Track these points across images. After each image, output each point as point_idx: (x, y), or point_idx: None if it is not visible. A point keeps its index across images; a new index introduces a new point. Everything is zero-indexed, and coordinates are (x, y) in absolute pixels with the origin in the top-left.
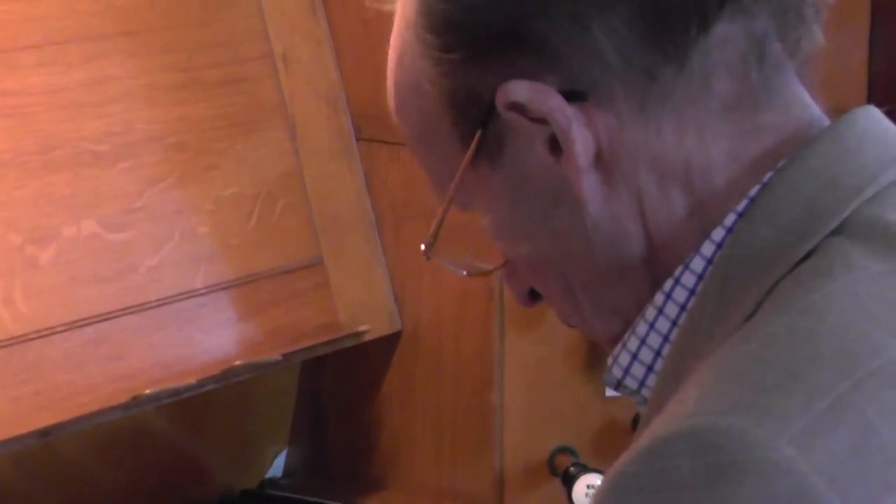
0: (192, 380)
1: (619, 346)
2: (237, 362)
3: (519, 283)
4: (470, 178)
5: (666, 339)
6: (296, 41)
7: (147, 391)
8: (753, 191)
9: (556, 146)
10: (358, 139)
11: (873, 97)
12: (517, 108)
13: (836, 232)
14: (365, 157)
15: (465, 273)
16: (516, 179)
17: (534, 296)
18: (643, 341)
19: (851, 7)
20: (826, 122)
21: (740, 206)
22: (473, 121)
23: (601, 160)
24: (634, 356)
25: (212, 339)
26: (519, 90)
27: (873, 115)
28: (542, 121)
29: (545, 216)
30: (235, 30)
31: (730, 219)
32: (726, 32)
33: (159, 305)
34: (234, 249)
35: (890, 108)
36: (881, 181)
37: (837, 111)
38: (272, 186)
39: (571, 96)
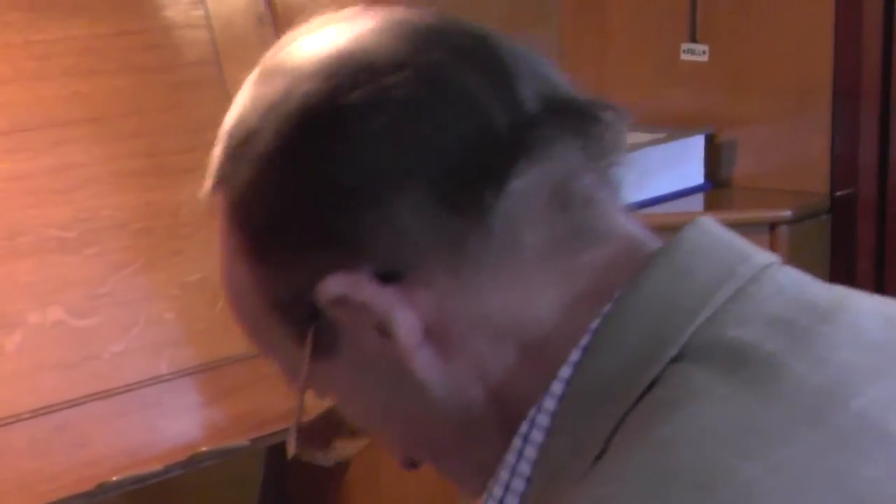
0: (157, 466)
1: (486, 494)
2: (203, 448)
3: (395, 452)
4: (314, 373)
5: (528, 481)
6: None
7: (113, 478)
8: (594, 324)
9: (385, 330)
10: None
11: (835, 181)
12: (339, 301)
13: (678, 358)
14: None
15: (331, 463)
16: (357, 369)
17: (413, 462)
18: (507, 487)
19: (813, 92)
20: (655, 244)
21: (584, 341)
22: (302, 320)
23: (431, 335)
24: (500, 503)
25: (177, 425)
26: (335, 285)
27: (704, 229)
28: (365, 308)
29: (393, 398)
30: (202, 115)
31: (575, 355)
32: (525, 185)
33: (125, 391)
34: (199, 335)
35: (852, 192)
36: (717, 300)
37: (800, 194)
38: None
39: (387, 279)
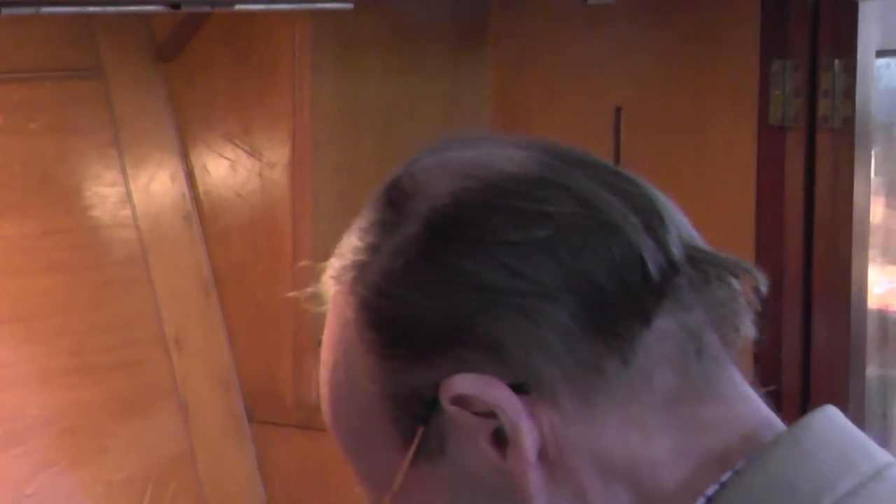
0: None
1: None
2: None
3: None
4: (410, 479)
5: None
6: (188, 324)
7: None
8: (710, 490)
9: (499, 441)
10: (251, 421)
11: (758, 378)
12: (461, 401)
13: None
14: (258, 438)
15: None
16: (458, 477)
17: None
18: None
19: None
20: (773, 417)
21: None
22: (415, 417)
23: (545, 456)
24: None
25: None
26: (465, 383)
27: (830, 417)
28: (486, 414)
29: None
30: (128, 313)
31: None
32: (665, 326)
33: None
34: None
35: (776, 388)
36: (838, 491)
37: None
38: (164, 470)
39: (516, 389)
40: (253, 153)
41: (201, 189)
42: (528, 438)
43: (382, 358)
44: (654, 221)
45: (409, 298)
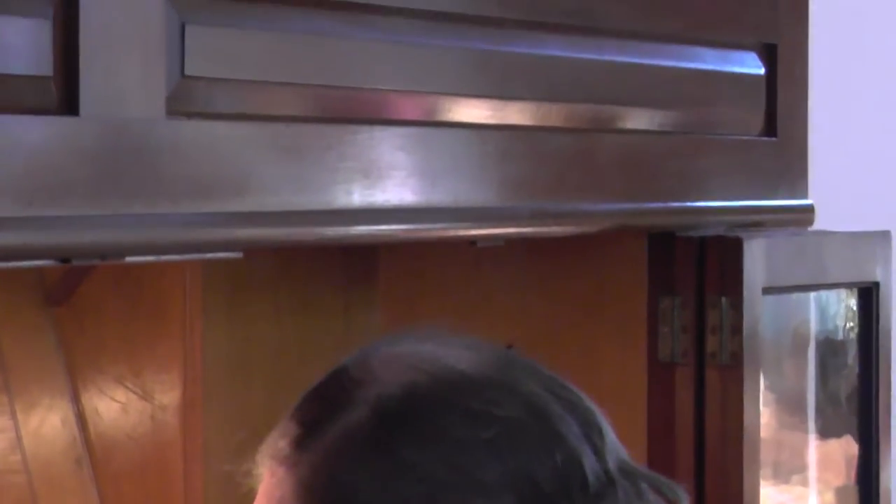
0: None
1: None
2: None
3: None
4: None
5: None
6: None
7: None
8: None
9: None
10: None
11: None
12: None
13: None
14: None
15: None
16: None
17: None
18: None
19: None
20: None
21: None
22: None
23: None
24: None
25: None
26: None
27: None
28: None
29: None
30: None
31: None
32: None
33: None
34: None
35: None
36: None
37: None
38: None
39: None
40: (144, 396)
41: (93, 432)
42: None
43: None
44: (593, 433)
45: (352, 482)
